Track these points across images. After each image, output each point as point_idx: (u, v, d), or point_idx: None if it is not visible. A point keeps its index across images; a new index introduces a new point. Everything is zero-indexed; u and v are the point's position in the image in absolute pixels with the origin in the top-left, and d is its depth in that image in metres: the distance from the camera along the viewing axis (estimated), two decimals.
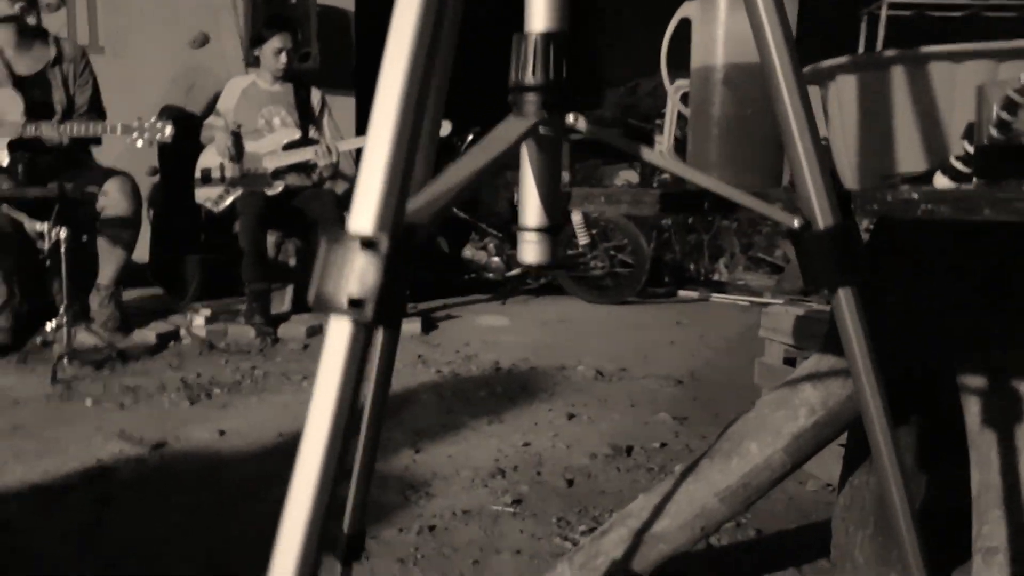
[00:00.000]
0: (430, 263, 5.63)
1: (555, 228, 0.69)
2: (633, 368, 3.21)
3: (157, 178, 4.58)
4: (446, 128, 3.80)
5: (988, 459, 0.83)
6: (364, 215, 0.46)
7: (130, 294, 3.95)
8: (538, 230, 0.68)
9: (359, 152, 4.11)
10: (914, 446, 1.13)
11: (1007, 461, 0.81)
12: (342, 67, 5.24)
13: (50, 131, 3.16)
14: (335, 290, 0.46)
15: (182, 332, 3.44)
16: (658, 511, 1.19)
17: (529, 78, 0.63)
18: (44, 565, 1.45)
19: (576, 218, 5.10)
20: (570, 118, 0.64)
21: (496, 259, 5.33)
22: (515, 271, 5.27)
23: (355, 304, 0.45)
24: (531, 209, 0.68)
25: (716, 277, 6.26)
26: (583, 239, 5.10)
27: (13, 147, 3.14)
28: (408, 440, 2.23)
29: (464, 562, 1.49)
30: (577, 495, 1.87)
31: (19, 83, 3.27)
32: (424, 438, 2.25)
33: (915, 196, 0.59)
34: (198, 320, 3.53)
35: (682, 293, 5.58)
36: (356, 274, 0.45)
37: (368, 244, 0.45)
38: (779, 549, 1.58)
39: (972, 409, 0.86)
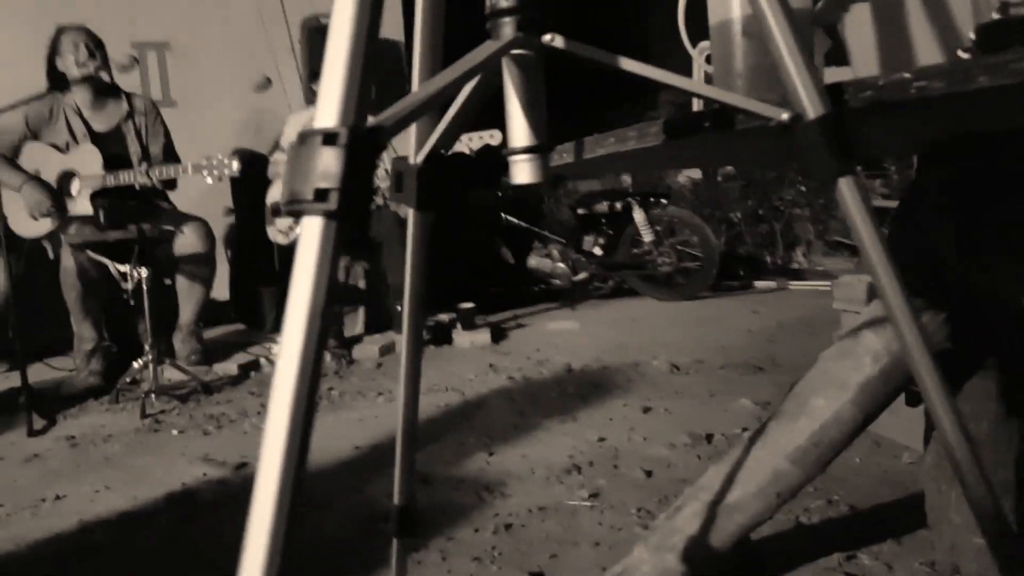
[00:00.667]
0: (496, 276, 5.65)
1: (543, 148, 0.67)
2: (710, 359, 3.11)
3: (232, 218, 4.77)
4: (497, 136, 3.81)
5: None
6: (326, 112, 0.47)
7: (215, 332, 4.11)
8: (527, 150, 0.66)
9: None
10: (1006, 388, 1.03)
11: None
12: (396, 95, 5.33)
13: (130, 177, 3.32)
14: (301, 185, 0.46)
15: (262, 361, 3.54)
16: (730, 481, 1.13)
17: (501, 1, 0.62)
18: None
19: (639, 216, 5.02)
20: (547, 37, 0.62)
21: (561, 265, 5.29)
22: (582, 275, 5.22)
23: (320, 196, 0.45)
24: (518, 130, 0.66)
25: (794, 266, 6.05)
26: (647, 236, 5.02)
27: (94, 197, 3.32)
28: (481, 444, 2.21)
29: (541, 556, 1.46)
30: (656, 485, 1.81)
31: (96, 139, 3.46)
32: (497, 441, 2.23)
33: (907, 76, 0.54)
34: (276, 348, 3.62)
35: (758, 284, 5.40)
36: (320, 167, 0.45)
37: (329, 138, 0.46)
38: (875, 522, 1.48)
39: None
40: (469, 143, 3.80)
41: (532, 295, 5.45)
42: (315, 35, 4.65)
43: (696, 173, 6.33)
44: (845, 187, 0.54)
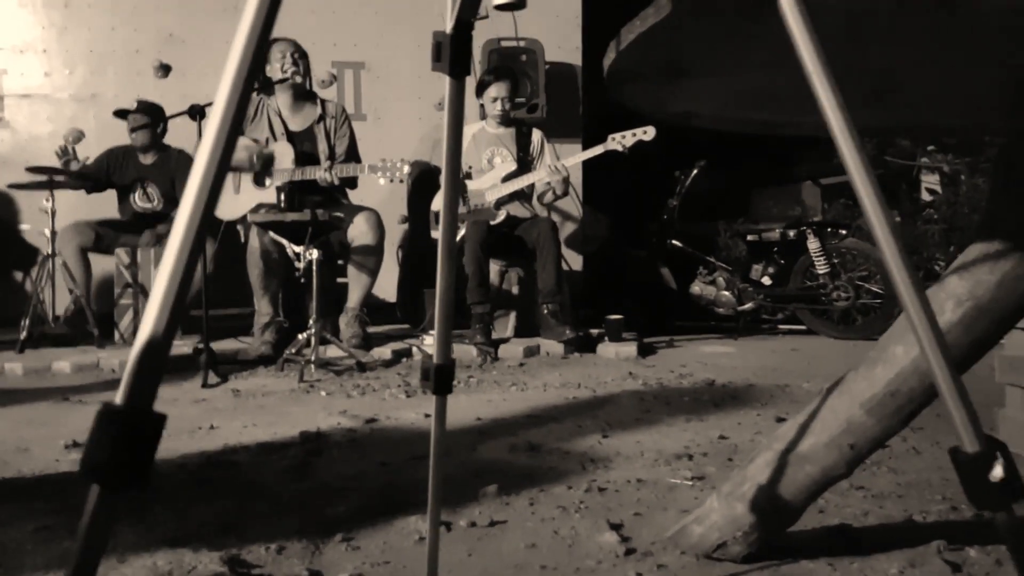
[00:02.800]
0: (654, 298, 5.56)
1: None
2: None
3: (406, 226, 5.12)
4: (651, 132, 3.81)
5: None
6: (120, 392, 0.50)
7: (380, 328, 4.40)
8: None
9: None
10: None
11: None
12: (570, 117, 5.48)
13: (315, 172, 3.70)
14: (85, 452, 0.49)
15: (414, 350, 3.75)
16: (803, 431, 1.06)
17: None
18: (261, 488, 1.64)
19: (813, 244, 4.75)
20: None
21: (726, 293, 5.10)
22: (748, 305, 5.01)
23: (93, 468, 0.48)
24: None
25: None
26: (822, 268, 4.72)
27: (283, 189, 3.72)
28: (597, 427, 2.20)
29: (626, 513, 1.43)
30: None
31: (291, 137, 3.90)
32: (615, 427, 2.21)
33: None
34: (428, 340, 3.82)
35: None
36: (95, 440, 0.49)
37: (111, 414, 0.49)
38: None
39: None
40: (623, 141, 3.83)
41: (692, 320, 5.31)
42: (494, 55, 4.92)
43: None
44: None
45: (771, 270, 4.99)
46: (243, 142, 3.75)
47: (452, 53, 0.77)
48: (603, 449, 1.96)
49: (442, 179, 0.89)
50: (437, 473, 0.94)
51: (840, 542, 1.24)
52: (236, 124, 0.53)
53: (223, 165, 0.52)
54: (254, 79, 0.52)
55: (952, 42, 0.83)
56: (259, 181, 3.84)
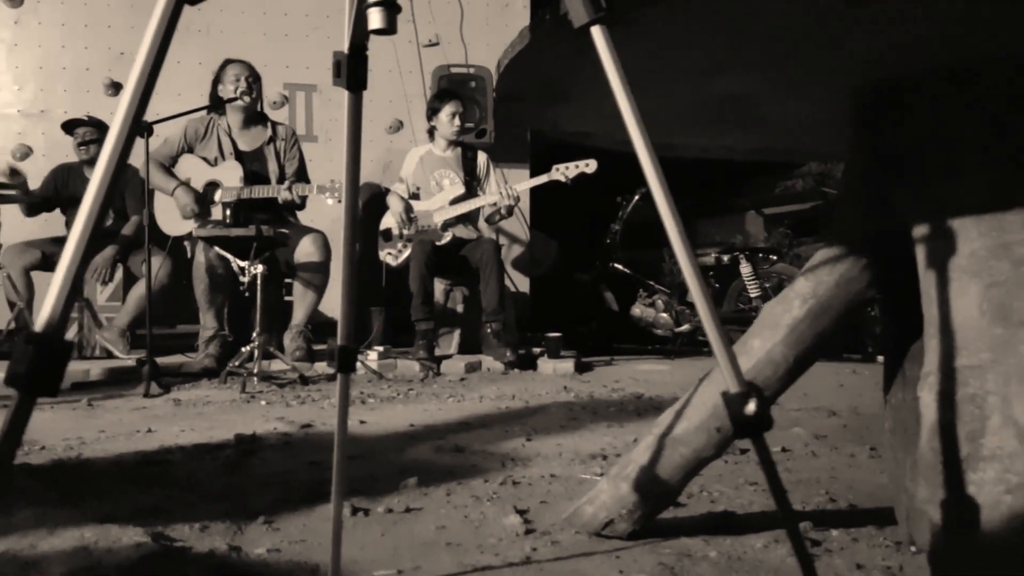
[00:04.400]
0: (597, 320, 5.73)
1: (394, 4, 0.80)
2: (787, 403, 3.03)
3: (357, 247, 5.20)
4: (592, 165, 3.98)
5: (930, 296, 0.79)
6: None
7: (325, 346, 4.45)
8: (379, 3, 0.81)
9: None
10: None
11: (942, 295, 0.77)
12: (518, 143, 5.65)
13: (263, 191, 3.78)
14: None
15: (357, 365, 3.82)
16: (678, 416, 1.19)
17: None
18: (193, 482, 1.71)
19: (745, 269, 4.98)
20: None
21: (664, 316, 5.29)
22: (684, 327, 5.20)
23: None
24: None
25: None
26: (754, 292, 4.95)
27: (229, 205, 3.79)
28: (523, 432, 2.31)
29: (534, 502, 1.54)
30: None
31: (240, 157, 3.97)
32: (539, 432, 2.32)
33: None
34: (372, 355, 3.90)
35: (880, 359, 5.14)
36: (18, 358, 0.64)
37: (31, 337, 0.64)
38: (864, 512, 1.45)
39: (920, 254, 0.83)
40: (566, 172, 3.99)
41: (632, 341, 5.48)
42: (444, 81, 5.07)
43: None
44: (596, 36, 0.65)
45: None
46: (179, 193, 3.81)
47: (349, 70, 0.89)
48: (525, 451, 2.07)
49: (344, 180, 0.99)
50: (341, 446, 1.03)
51: (721, 524, 1.37)
52: (135, 127, 0.64)
53: (120, 166, 0.63)
54: (155, 78, 0.63)
55: (794, 66, 0.98)
56: (208, 198, 3.90)
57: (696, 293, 0.72)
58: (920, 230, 0.84)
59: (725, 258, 5.22)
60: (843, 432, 2.37)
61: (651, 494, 1.23)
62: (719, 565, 1.16)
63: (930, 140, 0.84)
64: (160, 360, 3.24)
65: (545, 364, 4.05)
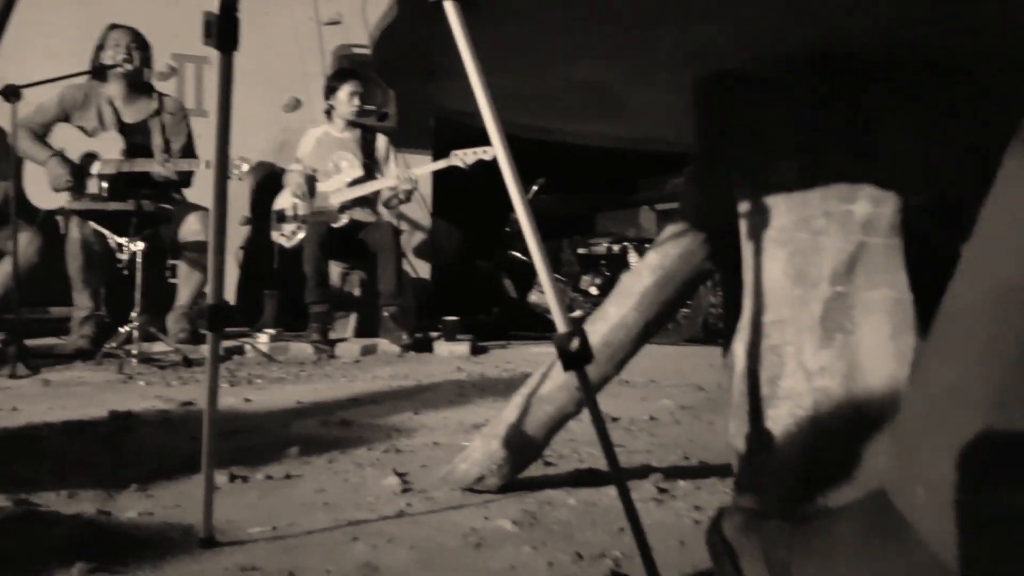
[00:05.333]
0: (496, 307, 5.84)
1: None
2: (663, 379, 3.22)
3: (248, 228, 5.08)
4: (491, 151, 4.05)
5: (748, 264, 0.90)
6: None
7: None
8: None
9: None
10: None
11: (757, 262, 0.89)
12: (420, 128, 5.66)
13: (146, 165, 3.65)
14: None
15: (247, 347, 3.76)
16: (544, 377, 1.28)
17: None
18: (63, 456, 1.67)
19: (633, 258, 5.21)
20: None
21: None
22: (577, 313, 5.37)
23: None
24: None
25: None
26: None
27: (108, 178, 3.63)
28: (412, 407, 2.36)
29: (414, 466, 1.60)
30: (555, 443, 1.93)
31: (124, 129, 3.81)
32: (427, 407, 2.38)
33: None
34: (262, 338, 3.84)
35: None
36: None
37: None
38: (713, 471, 1.60)
39: (742, 228, 0.94)
40: (464, 158, 4.05)
41: (529, 327, 5.62)
42: (345, 62, 5.03)
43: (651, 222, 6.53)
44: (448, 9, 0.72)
45: (598, 281, 5.39)
46: (52, 164, 3.61)
47: (219, 30, 0.91)
48: (411, 423, 2.13)
49: (214, 146, 1.01)
50: (211, 403, 1.06)
51: (585, 478, 1.47)
52: None
53: None
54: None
55: (642, 56, 1.07)
56: (84, 171, 3.72)
57: (535, 253, 0.80)
58: (743, 207, 0.95)
59: (615, 248, 5.43)
60: (707, 404, 2.55)
61: (519, 450, 1.31)
62: (576, 510, 1.26)
63: (753, 130, 0.95)
64: (31, 343, 3.08)
65: (441, 347, 4.11)
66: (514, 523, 1.18)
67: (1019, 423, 0.28)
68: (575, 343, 0.75)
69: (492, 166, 4.19)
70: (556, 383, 1.28)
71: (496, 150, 0.83)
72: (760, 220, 0.91)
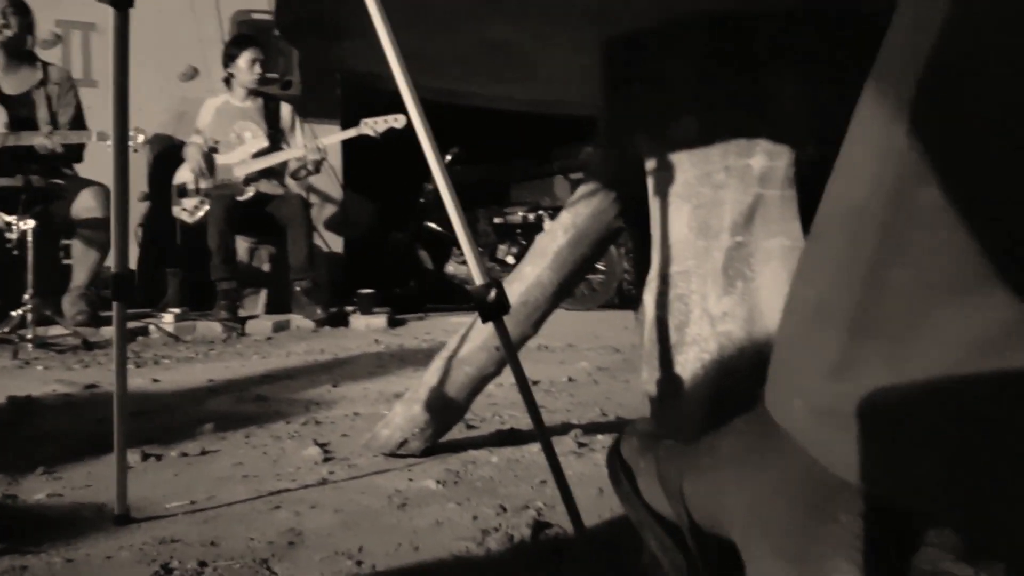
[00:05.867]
0: (413, 279, 5.81)
1: None
2: (580, 343, 3.30)
3: (147, 205, 4.84)
4: (402, 120, 3.98)
5: (655, 219, 0.94)
6: None
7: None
8: None
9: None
10: None
11: (663, 217, 0.92)
12: (327, 97, 5.51)
13: (31, 138, 3.41)
14: None
15: (151, 328, 3.61)
16: (464, 339, 1.30)
17: None
18: None
19: (548, 226, 5.26)
20: None
21: None
22: None
23: None
24: None
25: None
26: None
27: None
28: (330, 381, 2.34)
29: (335, 436, 1.60)
30: (477, 406, 1.96)
31: (5, 100, 3.55)
32: (346, 380, 2.37)
33: None
34: (167, 317, 3.70)
35: None
36: None
37: None
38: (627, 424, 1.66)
39: (649, 185, 0.97)
40: (375, 126, 3.98)
41: (447, 298, 5.62)
42: (243, 28, 4.82)
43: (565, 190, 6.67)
44: None
45: (514, 250, 5.44)
46: None
47: None
48: (330, 396, 2.11)
49: (112, 107, 0.97)
50: (121, 372, 1.02)
51: (506, 438, 1.51)
52: None
53: None
54: None
55: (547, 16, 1.08)
56: None
57: (450, 208, 0.81)
58: (650, 164, 0.98)
59: (531, 216, 5.48)
60: (623, 364, 2.64)
61: (441, 413, 1.33)
62: (499, 467, 1.29)
63: (655, 89, 0.98)
64: None
65: (357, 320, 4.06)
66: (438, 482, 1.20)
67: (874, 335, 0.31)
68: (492, 294, 0.76)
69: (404, 135, 4.15)
70: (475, 344, 1.29)
71: (408, 108, 0.83)
72: (665, 176, 0.94)
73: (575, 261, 1.24)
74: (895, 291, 0.30)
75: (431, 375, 1.33)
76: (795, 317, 0.37)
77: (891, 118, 0.31)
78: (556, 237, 1.24)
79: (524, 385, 0.83)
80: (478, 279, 0.80)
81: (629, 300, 5.32)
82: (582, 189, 1.23)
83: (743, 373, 0.81)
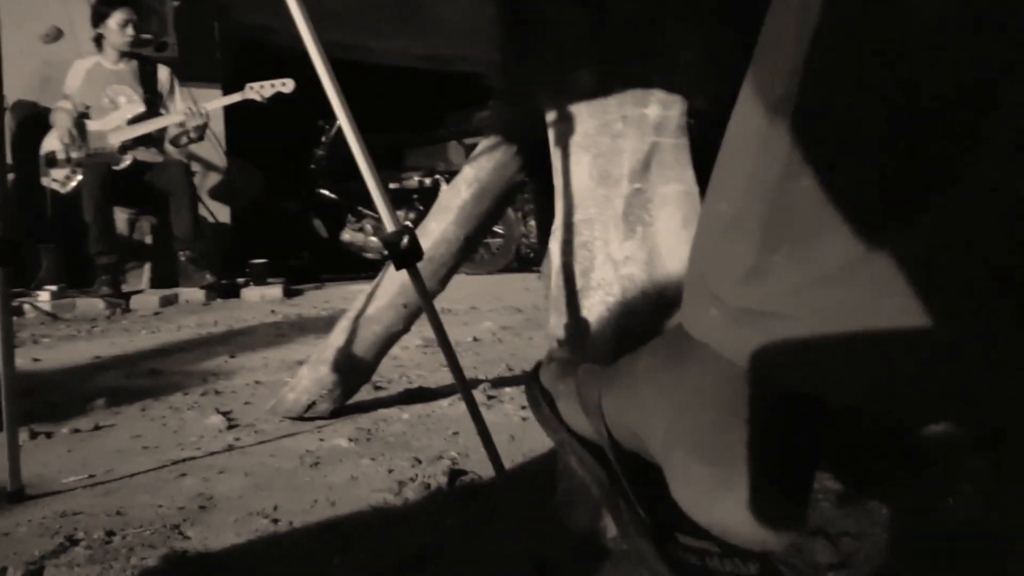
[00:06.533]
0: (307, 248, 5.67)
1: None
2: (483, 305, 3.33)
3: (12, 176, 4.47)
4: (290, 84, 3.83)
5: (557, 169, 0.96)
6: None
7: None
8: None
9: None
10: None
11: (565, 167, 0.95)
12: (206, 59, 5.22)
13: None
14: None
15: (26, 307, 3.37)
16: (370, 298, 1.30)
17: None
18: None
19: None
20: None
21: (374, 239, 5.39)
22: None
23: None
24: None
25: None
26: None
27: None
28: (227, 352, 2.27)
29: (237, 404, 1.56)
30: (383, 368, 1.96)
31: None
32: (244, 349, 2.30)
33: None
34: (43, 295, 3.46)
35: None
36: None
37: None
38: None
39: (551, 136, 0.99)
40: (261, 91, 3.82)
41: (344, 267, 5.52)
42: None
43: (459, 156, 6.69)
44: None
45: (412, 216, 5.39)
46: None
47: None
48: (228, 366, 2.05)
49: None
50: (7, 341, 0.96)
51: (415, 396, 1.52)
52: None
53: None
54: None
55: None
56: None
57: (361, 163, 0.80)
58: (550, 116, 1.01)
59: (427, 181, 5.44)
60: (525, 323, 2.69)
61: (349, 373, 1.32)
62: (411, 423, 1.31)
63: (552, 40, 1.00)
64: None
65: (251, 292, 3.93)
66: (351, 440, 1.21)
67: (785, 240, 0.34)
68: (405, 241, 0.77)
69: (292, 100, 4.00)
70: (383, 302, 1.29)
71: (313, 59, 0.81)
72: (565, 127, 0.97)
73: (480, 216, 1.25)
74: (803, 199, 0.33)
75: (337, 336, 1.32)
76: (709, 232, 0.39)
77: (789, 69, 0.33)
78: (460, 192, 1.25)
79: (440, 331, 0.84)
80: (390, 226, 0.80)
81: (528, 263, 5.40)
82: (484, 143, 1.24)
83: (646, 313, 0.86)
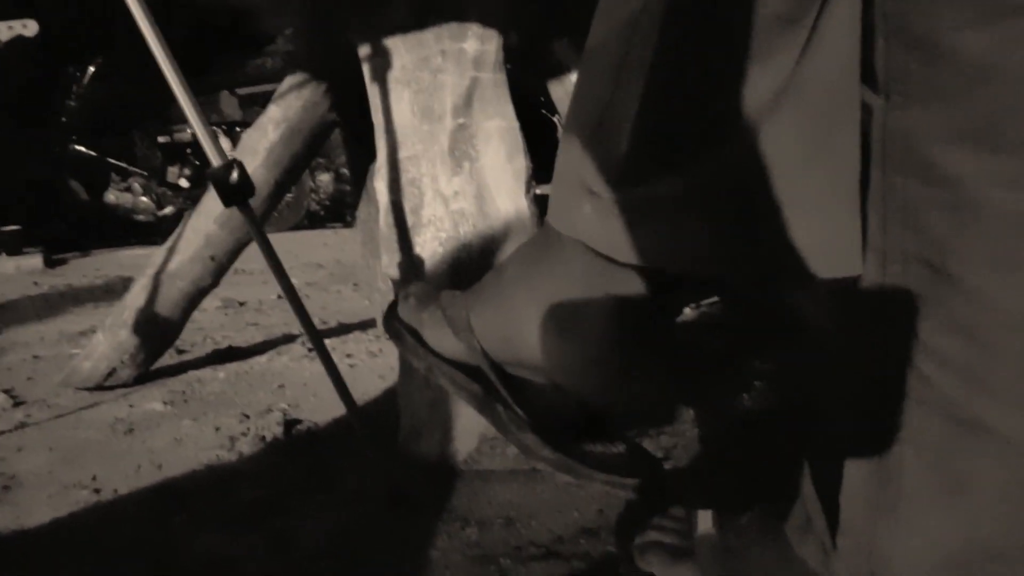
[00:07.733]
0: (65, 213, 5.05)
1: None
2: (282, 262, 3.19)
3: None
4: (32, 27, 3.34)
5: (376, 105, 0.94)
6: None
7: None
8: None
9: None
10: None
11: (385, 103, 0.93)
12: None
13: None
14: None
15: None
16: (171, 252, 1.21)
17: None
18: None
19: (225, 142, 4.89)
20: None
21: (144, 199, 4.92)
22: (168, 210, 4.92)
23: None
24: None
25: None
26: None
27: None
28: None
29: (18, 381, 1.38)
30: (183, 333, 1.82)
31: None
32: (11, 324, 2.03)
33: None
34: None
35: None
36: None
37: None
38: (352, 327, 1.70)
39: (366, 72, 0.96)
40: None
41: (117, 235, 4.98)
42: None
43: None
44: None
45: (187, 172, 4.98)
46: None
47: None
48: None
49: None
50: None
51: (228, 356, 1.44)
52: None
53: None
54: None
55: None
56: None
57: (177, 88, 0.73)
58: (363, 51, 0.98)
59: None
60: (329, 278, 2.64)
61: (153, 334, 1.23)
62: (229, 381, 1.25)
63: None
64: None
65: (4, 263, 3.44)
66: (166, 403, 1.13)
67: (655, 141, 0.38)
68: (234, 175, 0.72)
69: (35, 42, 3.49)
70: (187, 256, 1.20)
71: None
72: (381, 63, 0.95)
73: (290, 158, 1.20)
74: (676, 103, 0.36)
75: (136, 296, 1.22)
76: (577, 136, 0.42)
77: None
78: (267, 133, 1.19)
79: (279, 271, 0.80)
80: (215, 159, 0.74)
81: (319, 219, 5.23)
82: (290, 80, 1.19)
83: (478, 246, 0.88)
